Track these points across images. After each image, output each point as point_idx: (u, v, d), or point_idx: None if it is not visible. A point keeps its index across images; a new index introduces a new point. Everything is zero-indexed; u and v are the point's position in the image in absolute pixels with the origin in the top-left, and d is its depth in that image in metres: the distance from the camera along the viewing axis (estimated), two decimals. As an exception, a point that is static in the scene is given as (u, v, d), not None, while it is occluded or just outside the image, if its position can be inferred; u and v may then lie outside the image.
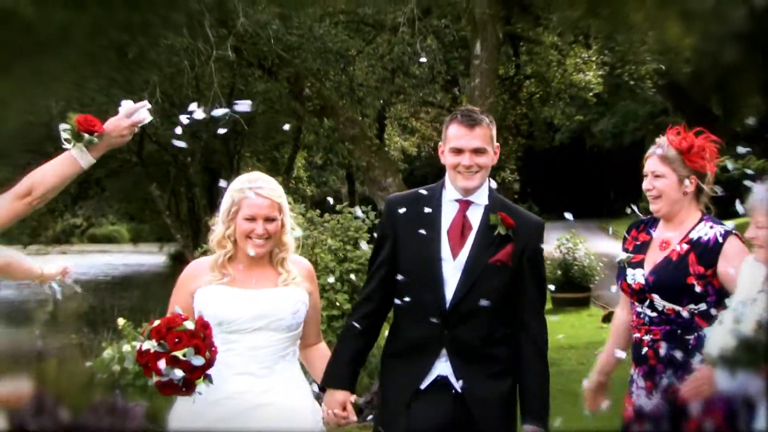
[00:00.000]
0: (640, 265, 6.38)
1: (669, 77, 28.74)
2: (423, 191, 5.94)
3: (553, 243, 26.02)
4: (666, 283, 6.21)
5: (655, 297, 6.22)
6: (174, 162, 36.32)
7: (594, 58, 29.26)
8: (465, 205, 5.75)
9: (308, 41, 24.02)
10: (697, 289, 6.10)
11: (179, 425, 5.54)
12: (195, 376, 5.02)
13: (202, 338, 5.05)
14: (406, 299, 5.68)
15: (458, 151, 5.63)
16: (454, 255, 5.68)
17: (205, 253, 17.63)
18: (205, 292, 5.57)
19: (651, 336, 6.28)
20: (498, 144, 5.78)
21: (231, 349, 5.45)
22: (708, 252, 6.04)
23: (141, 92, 27.05)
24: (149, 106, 6.03)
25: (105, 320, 16.15)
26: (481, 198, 5.76)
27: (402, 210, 5.78)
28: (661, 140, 6.29)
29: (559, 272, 25.69)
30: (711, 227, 6.22)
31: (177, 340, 4.96)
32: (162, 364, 4.99)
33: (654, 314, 6.29)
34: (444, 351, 5.62)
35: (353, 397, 5.64)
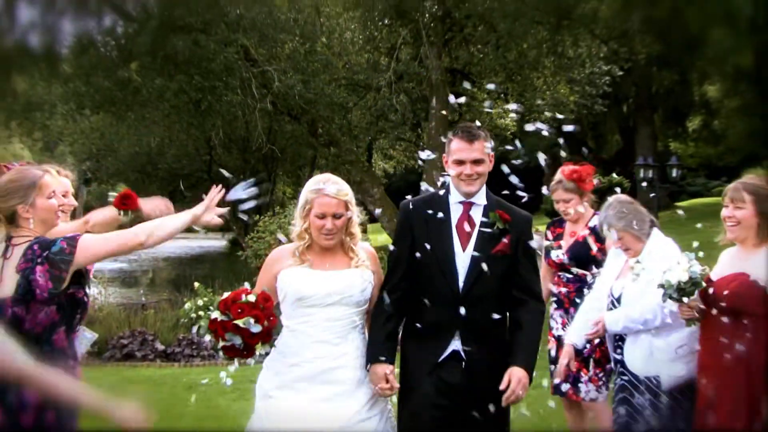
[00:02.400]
0: (559, 248, 6.79)
1: (559, 122, 28.75)
2: (431, 196, 5.09)
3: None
4: (577, 256, 6.62)
5: (572, 266, 6.58)
6: (231, 178, 36.29)
7: (510, 109, 29.29)
8: (468, 206, 4.93)
9: (321, 97, 23.87)
10: (599, 258, 6.34)
11: (266, 383, 4.77)
12: (254, 341, 4.39)
13: (261, 309, 4.40)
14: (424, 287, 4.83)
15: (460, 162, 4.86)
16: (464, 249, 4.84)
17: (252, 239, 17.72)
18: (287, 273, 4.78)
19: (567, 289, 6.75)
20: (492, 153, 4.96)
21: (309, 321, 4.69)
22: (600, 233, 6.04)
23: (209, 131, 27.18)
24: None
25: (186, 283, 16.10)
26: (481, 199, 4.94)
27: (417, 212, 4.96)
28: (559, 176, 6.69)
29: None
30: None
31: (240, 310, 4.37)
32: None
33: (570, 276, 6.72)
34: (458, 331, 4.80)
35: (392, 368, 4.74)
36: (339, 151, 25.38)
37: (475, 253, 4.84)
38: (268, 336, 4.43)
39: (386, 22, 25.99)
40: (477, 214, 4.92)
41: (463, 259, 4.83)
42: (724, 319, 4.92)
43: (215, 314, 4.40)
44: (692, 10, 21.59)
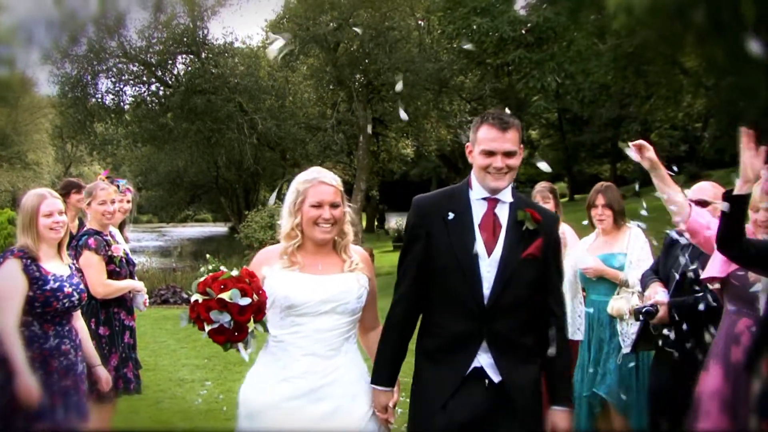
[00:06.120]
0: None
1: (442, 152, 29.25)
2: (450, 191, 2.94)
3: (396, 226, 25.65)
4: None
5: None
6: (231, 187, 36.01)
7: (410, 144, 29.69)
8: (493, 203, 2.81)
9: (288, 135, 23.93)
10: None
11: (250, 401, 2.84)
12: (244, 318, 2.57)
13: (247, 283, 2.62)
14: (444, 295, 2.79)
15: (490, 154, 2.75)
16: (489, 252, 2.75)
17: (243, 226, 17.62)
18: (275, 277, 2.82)
19: None
20: (521, 145, 2.80)
21: (298, 332, 2.80)
22: None
23: (217, 157, 27.09)
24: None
25: (202, 255, 16.10)
26: (507, 196, 2.81)
27: (433, 209, 2.84)
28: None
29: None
30: None
31: (222, 286, 2.59)
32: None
33: None
34: (483, 343, 2.74)
35: (395, 397, 2.84)
36: (300, 170, 25.17)
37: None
38: (261, 313, 2.65)
39: (331, 87, 25.99)
40: (503, 213, 2.83)
41: (487, 263, 2.77)
42: None
43: (194, 297, 2.65)
44: (520, 85, 22.53)
